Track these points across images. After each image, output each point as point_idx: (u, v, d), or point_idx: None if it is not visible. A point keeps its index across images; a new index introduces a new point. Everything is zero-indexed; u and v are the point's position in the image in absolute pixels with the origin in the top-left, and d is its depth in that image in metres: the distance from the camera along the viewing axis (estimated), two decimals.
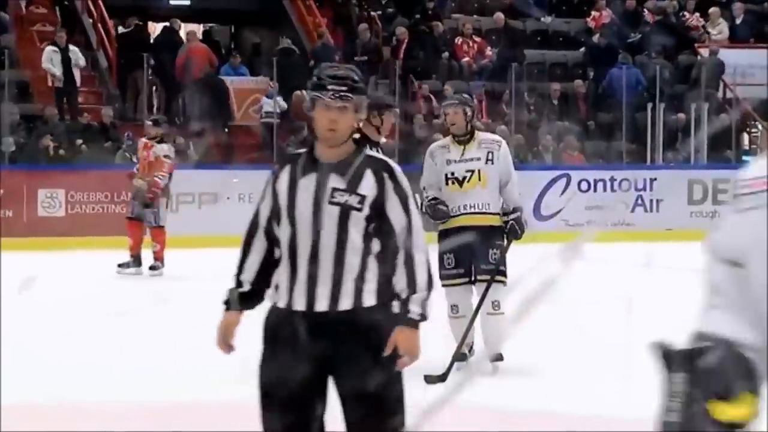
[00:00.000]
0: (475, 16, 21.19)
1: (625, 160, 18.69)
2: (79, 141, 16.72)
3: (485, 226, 7.07)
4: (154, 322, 9.12)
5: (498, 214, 7.13)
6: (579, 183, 17.41)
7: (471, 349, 7.18)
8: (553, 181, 17.31)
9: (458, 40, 20.25)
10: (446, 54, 20.08)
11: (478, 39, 20.27)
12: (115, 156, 16.57)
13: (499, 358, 7.00)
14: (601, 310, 9.74)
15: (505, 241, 7.08)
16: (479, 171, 7.10)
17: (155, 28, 20.19)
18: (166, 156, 12.80)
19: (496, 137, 7.52)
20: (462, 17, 20.92)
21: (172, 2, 20.36)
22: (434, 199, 7.11)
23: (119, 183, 15.39)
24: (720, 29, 21.03)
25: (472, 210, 7.08)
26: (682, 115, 19.00)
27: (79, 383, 6.98)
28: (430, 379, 6.44)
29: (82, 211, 15.47)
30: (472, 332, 7.07)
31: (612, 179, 17.59)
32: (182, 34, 22.10)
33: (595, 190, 17.50)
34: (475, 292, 7.13)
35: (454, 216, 7.11)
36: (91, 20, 19.12)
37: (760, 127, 20.23)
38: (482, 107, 19.23)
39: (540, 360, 7.38)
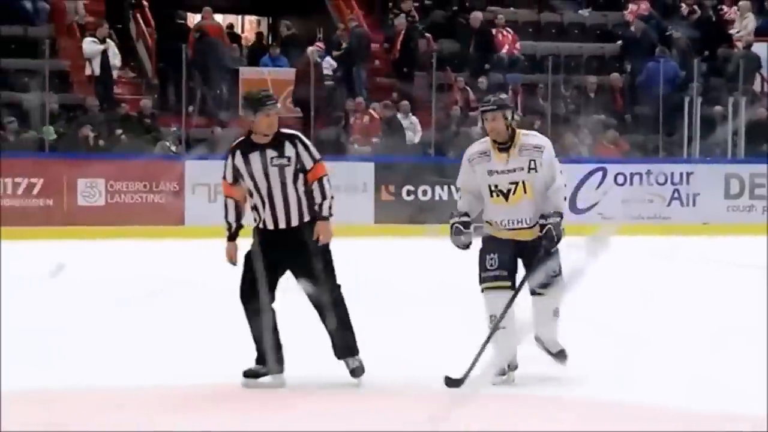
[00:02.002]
0: (511, 8, 21.27)
1: (661, 153, 18.72)
2: (119, 131, 16.91)
3: (534, 240, 6.54)
4: (182, 307, 9.29)
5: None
6: (615, 176, 17.47)
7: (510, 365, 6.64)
8: (589, 174, 17.39)
9: (493, 31, 20.32)
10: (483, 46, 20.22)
11: (511, 31, 20.36)
12: (154, 146, 16.78)
13: (565, 354, 6.70)
14: (633, 303, 9.90)
15: (541, 250, 6.51)
16: (523, 182, 6.53)
17: (194, 19, 20.31)
18: None
19: (539, 141, 6.66)
20: (498, 9, 20.98)
21: None
22: (464, 223, 6.59)
23: (158, 173, 15.63)
24: (746, 24, 21.03)
25: (520, 225, 6.55)
26: (719, 108, 19.04)
27: (92, 368, 7.05)
28: (449, 382, 6.25)
29: (122, 201, 15.67)
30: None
31: (648, 173, 17.62)
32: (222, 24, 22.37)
33: (631, 184, 17.54)
34: (525, 304, 6.62)
35: (501, 229, 6.58)
36: (130, 11, 19.32)
37: None
38: (518, 99, 19.37)
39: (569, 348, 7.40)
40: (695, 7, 21.34)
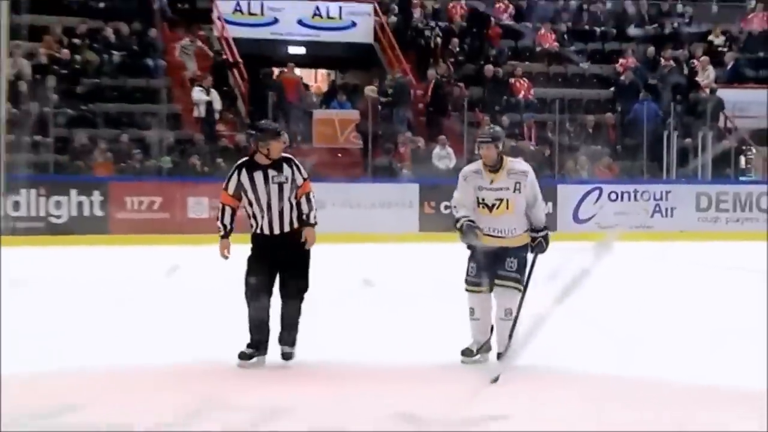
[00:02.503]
0: (527, 62, 21.19)
1: (645, 175, 18.57)
2: (219, 159, 16.95)
3: (510, 247, 6.33)
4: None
5: (524, 232, 6.37)
6: (609, 194, 17.37)
7: (482, 347, 6.45)
8: (588, 192, 17.28)
9: (512, 80, 20.25)
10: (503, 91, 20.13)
11: (527, 80, 20.29)
12: None
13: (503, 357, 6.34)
14: (624, 295, 9.79)
15: (531, 256, 6.35)
16: (507, 200, 6.30)
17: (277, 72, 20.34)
18: None
19: (524, 167, 6.42)
20: (517, 63, 20.91)
21: (290, 52, 20.58)
22: (471, 221, 6.32)
23: None
24: (707, 74, 20.90)
25: (499, 234, 6.32)
26: (689, 140, 18.90)
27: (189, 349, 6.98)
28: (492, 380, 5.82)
29: None
30: (487, 332, 6.42)
31: (635, 191, 17.52)
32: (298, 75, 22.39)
33: (622, 200, 17.43)
34: (493, 297, 6.40)
35: (483, 234, 6.33)
36: (230, 68, 19.38)
37: (754, 150, 20.00)
38: (531, 133, 19.30)
39: (572, 332, 7.28)
40: (672, 61, 21.17)
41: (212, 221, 15.79)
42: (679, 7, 23.08)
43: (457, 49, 20.86)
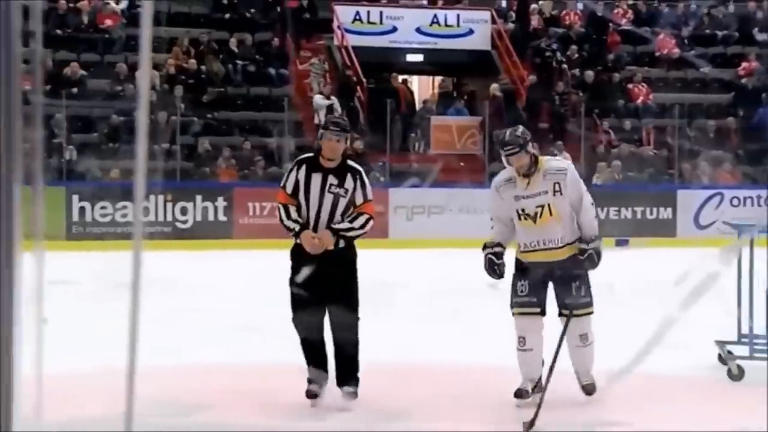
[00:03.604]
0: (645, 68, 20.80)
1: None
2: None
3: (563, 260, 5.43)
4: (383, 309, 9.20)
5: (575, 241, 5.45)
6: (731, 199, 16.94)
7: (536, 385, 5.47)
8: (709, 198, 16.91)
9: (630, 85, 19.92)
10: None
11: (645, 86, 19.94)
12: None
13: (593, 388, 5.57)
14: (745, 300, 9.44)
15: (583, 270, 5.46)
16: (549, 205, 5.37)
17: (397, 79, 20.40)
18: None
19: (562, 164, 5.54)
20: (635, 68, 20.54)
21: (409, 59, 20.62)
22: (496, 254, 5.45)
23: None
24: None
25: (549, 246, 5.41)
26: None
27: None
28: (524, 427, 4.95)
29: None
30: (540, 367, 5.51)
31: (758, 196, 17.07)
32: (416, 83, 22.38)
33: (744, 205, 17.00)
34: (561, 324, 5.53)
35: (531, 251, 5.44)
36: (347, 74, 19.51)
37: None
38: (650, 139, 18.92)
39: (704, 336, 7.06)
40: None
41: None
42: None
43: (576, 55, 20.59)
